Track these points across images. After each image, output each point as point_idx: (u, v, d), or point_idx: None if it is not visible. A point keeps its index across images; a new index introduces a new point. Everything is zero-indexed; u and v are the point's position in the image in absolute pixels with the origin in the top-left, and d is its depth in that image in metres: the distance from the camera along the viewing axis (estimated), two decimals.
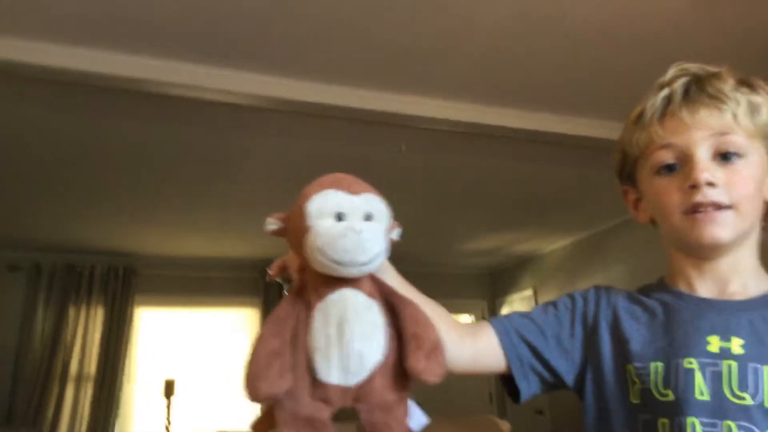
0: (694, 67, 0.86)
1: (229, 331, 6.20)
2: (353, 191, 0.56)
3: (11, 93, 2.97)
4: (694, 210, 0.79)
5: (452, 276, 7.14)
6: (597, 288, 0.90)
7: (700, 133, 0.80)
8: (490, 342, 0.83)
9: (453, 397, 6.16)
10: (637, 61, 2.84)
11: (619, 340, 0.82)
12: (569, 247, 6.24)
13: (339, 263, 0.53)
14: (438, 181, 4.39)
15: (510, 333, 0.84)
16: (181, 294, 6.06)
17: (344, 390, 0.55)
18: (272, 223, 0.57)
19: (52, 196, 4.43)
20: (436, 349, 0.57)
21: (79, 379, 5.52)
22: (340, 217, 0.54)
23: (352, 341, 0.53)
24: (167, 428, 5.48)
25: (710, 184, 0.78)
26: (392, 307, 0.59)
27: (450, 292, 7.08)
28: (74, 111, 3.17)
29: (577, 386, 0.85)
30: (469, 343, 0.82)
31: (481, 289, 7.42)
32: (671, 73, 0.86)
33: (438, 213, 5.15)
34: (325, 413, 0.55)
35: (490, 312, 7.37)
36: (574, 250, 6.17)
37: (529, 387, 0.84)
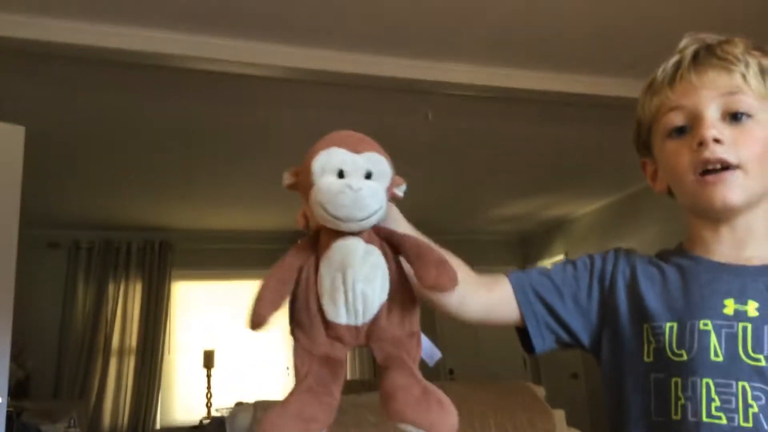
0: (707, 36, 0.86)
1: None
2: (357, 149, 0.59)
3: (42, 73, 3.03)
4: (704, 169, 0.79)
5: (482, 243, 7.13)
6: (617, 249, 0.91)
7: (709, 93, 0.81)
8: (505, 295, 0.84)
9: (486, 364, 6.21)
10: (667, 20, 2.77)
11: (636, 300, 0.83)
12: (601, 210, 6.17)
13: (338, 218, 0.57)
14: (465, 148, 4.37)
15: (526, 289, 0.85)
16: (216, 267, 6.18)
17: (354, 329, 0.58)
18: (287, 178, 0.62)
19: (87, 175, 4.53)
20: (443, 262, 0.60)
21: (122, 352, 5.70)
22: (341, 174, 0.57)
23: (355, 284, 0.57)
24: (208, 398, 5.64)
25: (717, 141, 0.78)
26: (394, 246, 0.62)
27: (480, 258, 6.93)
28: (106, 89, 3.22)
29: (593, 346, 0.87)
30: (483, 293, 0.84)
31: (511, 255, 7.40)
32: (684, 41, 0.87)
33: (466, 180, 5.14)
34: (340, 352, 0.59)
35: None
36: (606, 213, 6.10)
37: (543, 343, 0.85)
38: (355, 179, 0.57)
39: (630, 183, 5.39)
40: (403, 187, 0.64)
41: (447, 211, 5.99)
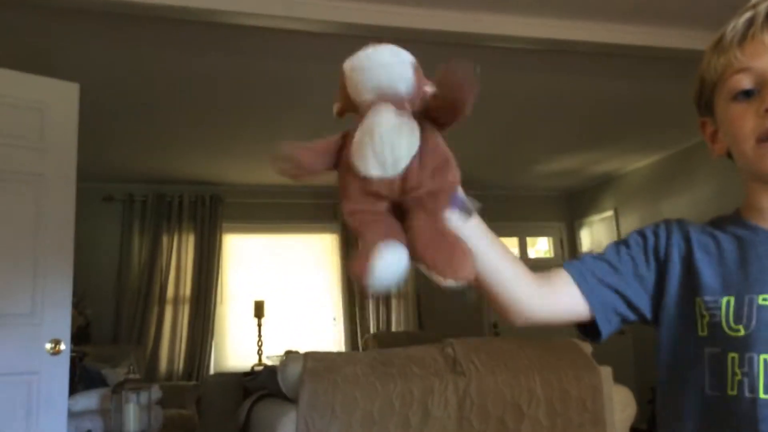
0: None
1: (311, 255, 6.42)
2: (382, 42, 0.62)
3: (96, 30, 3.09)
4: None
5: (529, 198, 7.06)
6: (667, 222, 0.88)
7: None
8: (568, 288, 0.83)
9: None
10: None
11: (690, 272, 0.81)
12: (652, 165, 6.02)
13: (366, 89, 0.60)
14: (514, 102, 4.30)
15: (587, 277, 0.83)
16: (265, 220, 6.30)
17: (388, 182, 0.60)
18: (335, 107, 0.66)
19: (140, 130, 4.63)
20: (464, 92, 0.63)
21: (176, 300, 5.91)
22: (367, 57, 0.61)
23: (382, 135, 0.59)
24: (259, 346, 5.83)
25: None
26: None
27: (527, 214, 7.02)
28: (159, 46, 3.27)
29: (655, 318, 0.85)
30: (545, 289, 0.82)
31: (559, 211, 7.32)
32: None
33: (514, 134, 5.07)
34: (379, 205, 0.62)
35: (568, 234, 7.28)
36: (657, 169, 5.95)
37: (610, 327, 0.84)
38: (376, 55, 0.60)
39: (683, 139, 5.23)
40: (432, 85, 0.64)
41: (494, 165, 5.94)
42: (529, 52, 3.38)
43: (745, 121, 0.78)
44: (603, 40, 3.21)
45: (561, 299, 0.83)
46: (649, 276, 0.85)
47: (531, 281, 0.81)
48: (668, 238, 0.85)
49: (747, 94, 0.78)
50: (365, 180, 0.60)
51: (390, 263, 0.58)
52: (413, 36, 3.06)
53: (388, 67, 0.60)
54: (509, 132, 4.95)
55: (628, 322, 0.86)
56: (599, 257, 0.86)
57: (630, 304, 0.84)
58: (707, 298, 0.78)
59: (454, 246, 0.59)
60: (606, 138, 5.28)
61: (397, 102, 0.61)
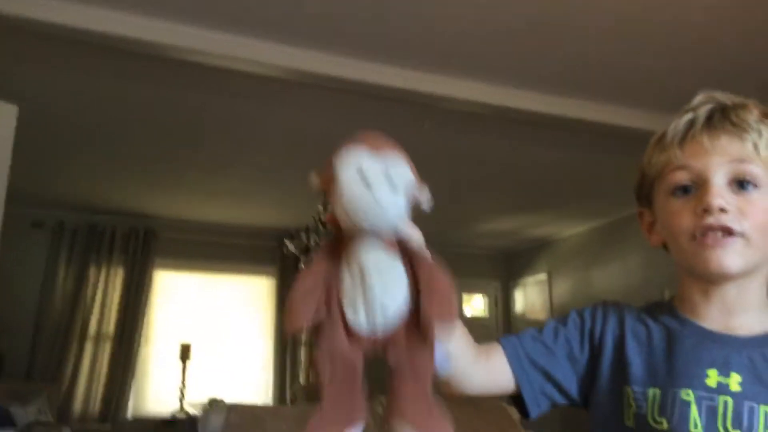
0: (721, 95, 0.85)
1: (245, 299, 6.28)
2: (377, 150, 0.59)
3: (40, 55, 3.01)
4: (703, 234, 0.78)
5: (467, 256, 7.15)
6: (605, 305, 0.91)
7: (719, 158, 0.80)
8: (502, 365, 0.85)
9: None
10: (664, 52, 2.80)
11: (621, 361, 0.83)
12: (586, 233, 6.22)
13: (359, 225, 0.58)
14: (458, 162, 4.39)
15: (521, 357, 0.86)
16: (200, 259, 6.14)
17: (373, 336, 0.59)
18: (313, 179, 0.62)
19: (77, 157, 4.49)
20: (448, 299, 0.61)
21: (98, 337, 5.65)
22: (363, 177, 0.57)
23: (374, 294, 0.58)
24: (182, 391, 5.60)
25: (722, 210, 0.77)
26: (412, 265, 0.62)
27: (464, 271, 7.09)
28: (101, 74, 3.20)
29: (585, 402, 0.88)
30: (482, 364, 0.84)
31: (495, 270, 7.43)
32: (698, 99, 0.85)
33: (456, 193, 5.15)
34: (357, 354, 0.60)
35: (503, 293, 7.38)
36: (591, 236, 6.15)
37: (539, 408, 0.87)
38: (376, 185, 0.57)
39: (615, 210, 5.44)
40: (427, 195, 0.63)
41: (434, 220, 5.96)
42: (474, 115, 3.47)
43: (682, 218, 0.81)
44: (546, 111, 3.34)
45: (494, 376, 0.86)
46: (582, 359, 0.87)
47: (473, 357, 0.82)
48: (604, 323, 0.88)
49: (685, 191, 0.82)
50: (352, 330, 0.60)
51: None
52: (361, 89, 3.10)
53: (387, 209, 0.58)
54: (451, 189, 5.04)
55: (557, 405, 0.88)
56: (537, 337, 0.88)
57: (560, 388, 0.87)
58: (635, 388, 0.80)
59: (440, 419, 0.59)
60: (543, 203, 5.44)
61: (388, 240, 0.61)
